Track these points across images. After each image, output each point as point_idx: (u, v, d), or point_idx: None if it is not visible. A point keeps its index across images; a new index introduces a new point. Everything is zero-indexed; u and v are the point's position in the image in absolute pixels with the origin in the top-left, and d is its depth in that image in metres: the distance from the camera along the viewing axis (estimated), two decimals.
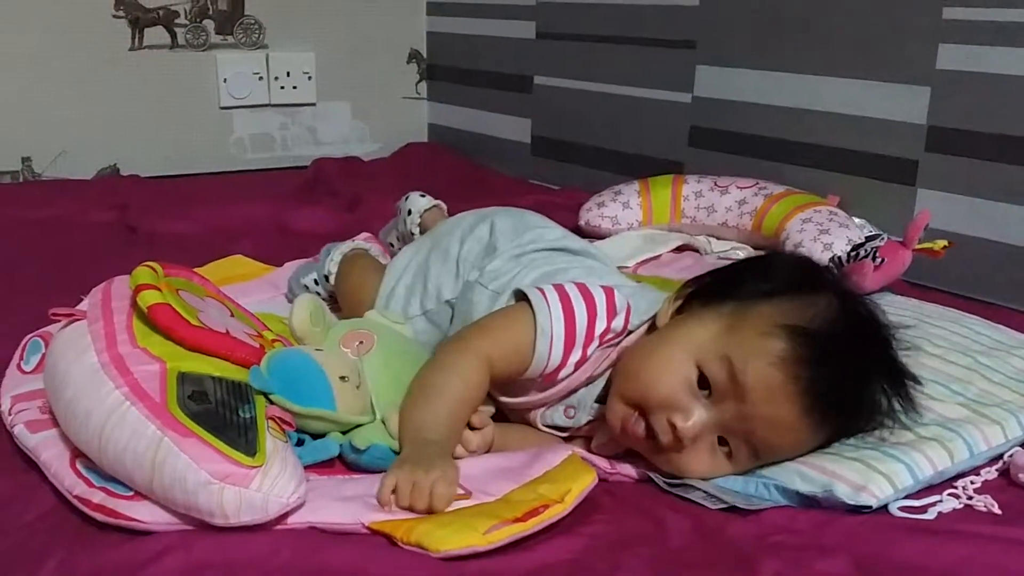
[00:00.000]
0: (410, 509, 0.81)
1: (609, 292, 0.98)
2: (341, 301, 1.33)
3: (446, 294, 1.16)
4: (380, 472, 0.89)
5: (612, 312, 0.97)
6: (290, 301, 1.35)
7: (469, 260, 1.16)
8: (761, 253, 1.58)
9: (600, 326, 0.96)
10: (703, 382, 0.88)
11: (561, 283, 0.99)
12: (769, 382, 0.85)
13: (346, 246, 1.38)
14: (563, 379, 0.98)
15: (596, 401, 0.99)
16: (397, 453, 0.90)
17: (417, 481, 0.82)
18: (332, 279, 1.35)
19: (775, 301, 0.90)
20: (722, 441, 0.89)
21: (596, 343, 0.96)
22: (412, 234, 1.40)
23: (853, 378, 0.88)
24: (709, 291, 0.96)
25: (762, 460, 0.90)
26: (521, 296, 1.00)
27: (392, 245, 1.44)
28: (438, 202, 1.43)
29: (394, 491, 0.82)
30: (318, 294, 1.37)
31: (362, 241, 1.42)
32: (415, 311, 1.18)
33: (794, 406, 0.85)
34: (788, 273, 0.95)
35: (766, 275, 0.95)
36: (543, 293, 0.97)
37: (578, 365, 0.96)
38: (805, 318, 0.87)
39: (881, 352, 0.92)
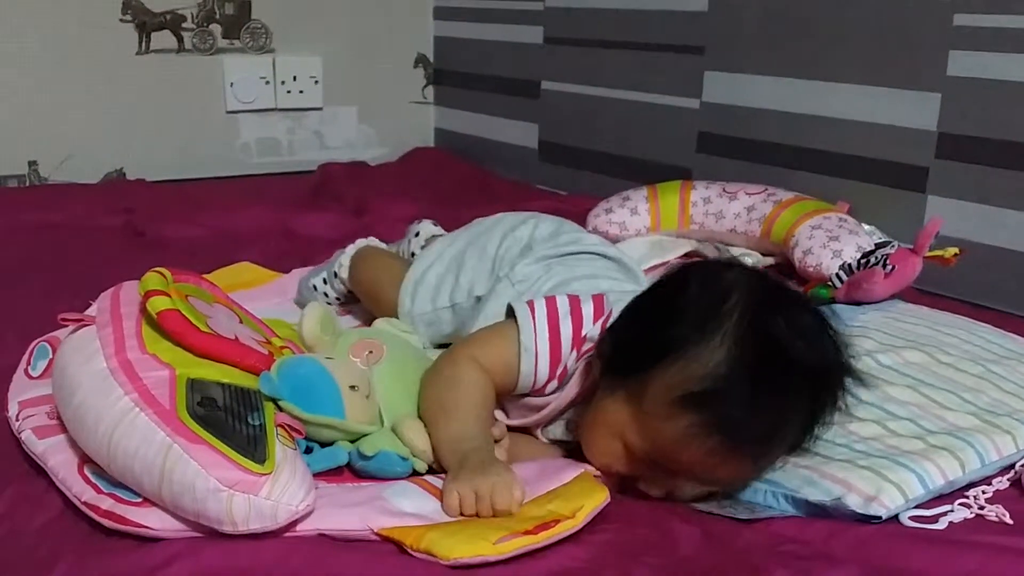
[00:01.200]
0: (477, 515, 0.82)
1: (597, 300, 0.99)
2: (359, 291, 1.34)
3: (478, 290, 1.17)
4: (388, 479, 0.89)
5: (598, 313, 0.98)
6: (300, 306, 1.35)
7: (506, 259, 1.17)
8: (769, 261, 1.58)
9: (585, 331, 0.97)
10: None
11: (555, 296, 1.00)
12: (692, 458, 0.86)
13: (358, 244, 1.39)
14: (552, 393, 0.98)
15: None
16: (405, 459, 0.90)
17: (477, 489, 0.82)
18: (344, 272, 1.35)
19: (665, 368, 0.86)
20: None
21: (575, 353, 0.97)
22: (412, 254, 1.39)
23: (767, 414, 0.85)
24: (610, 360, 0.93)
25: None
26: (511, 311, 1.01)
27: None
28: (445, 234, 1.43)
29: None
30: (326, 295, 1.37)
31: (374, 239, 1.43)
32: (443, 302, 1.20)
33: (727, 458, 0.85)
34: (675, 321, 0.88)
35: (654, 330, 0.90)
36: (531, 309, 0.98)
37: (561, 377, 0.97)
38: (696, 379, 0.85)
39: (789, 375, 0.86)
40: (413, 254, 1.38)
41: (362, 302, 1.35)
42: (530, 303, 0.99)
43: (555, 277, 1.10)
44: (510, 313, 1.01)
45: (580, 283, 1.08)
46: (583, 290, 1.03)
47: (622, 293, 1.03)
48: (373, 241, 1.41)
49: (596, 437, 0.93)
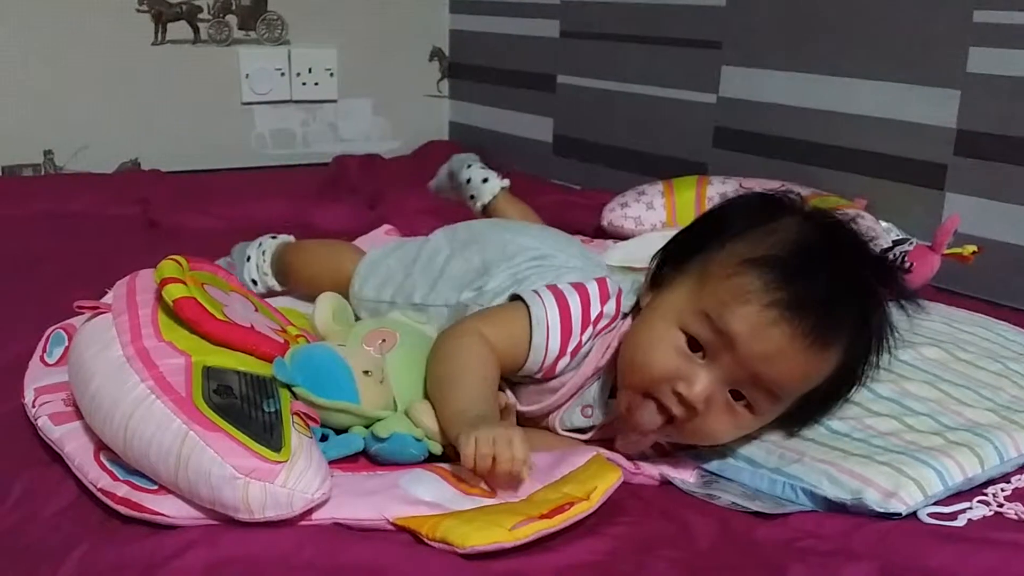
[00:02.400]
0: (492, 467, 0.80)
1: (601, 280, 1.00)
2: (303, 280, 1.31)
3: (416, 298, 1.16)
4: (403, 464, 0.89)
5: (605, 297, 0.98)
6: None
7: (456, 281, 1.14)
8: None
9: (594, 311, 0.97)
10: (693, 344, 0.88)
11: (554, 283, 1.00)
12: (748, 319, 0.85)
13: (273, 242, 1.37)
14: (565, 372, 0.97)
15: (610, 397, 0.99)
16: (419, 441, 0.90)
17: (496, 437, 0.81)
18: (269, 271, 1.34)
19: (733, 242, 0.90)
20: (737, 396, 0.88)
21: (591, 329, 0.97)
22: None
23: (827, 284, 0.86)
24: (674, 255, 0.97)
25: (784, 400, 0.89)
26: (515, 297, 1.01)
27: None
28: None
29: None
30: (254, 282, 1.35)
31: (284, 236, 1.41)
32: (386, 297, 1.19)
33: (782, 332, 0.84)
34: (743, 212, 0.95)
35: (722, 221, 0.95)
36: (537, 293, 0.98)
37: (574, 353, 0.96)
38: (763, 247, 0.88)
39: (851, 257, 0.90)
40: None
41: (304, 292, 1.30)
42: (535, 290, 0.99)
43: (541, 279, 1.06)
44: (513, 299, 1.01)
45: (571, 275, 1.06)
46: (577, 279, 1.02)
47: (621, 280, 1.03)
48: (286, 239, 1.39)
49: (653, 330, 0.90)
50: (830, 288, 0.87)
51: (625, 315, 1.00)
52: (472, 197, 1.50)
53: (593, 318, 0.97)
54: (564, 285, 0.99)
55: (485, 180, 1.49)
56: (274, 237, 1.39)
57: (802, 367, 0.87)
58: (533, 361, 0.97)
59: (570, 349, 0.96)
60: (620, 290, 1.00)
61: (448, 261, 1.19)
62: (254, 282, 1.34)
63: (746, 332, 0.85)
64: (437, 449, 0.91)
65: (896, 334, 0.94)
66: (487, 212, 1.49)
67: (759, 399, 0.88)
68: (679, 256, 0.96)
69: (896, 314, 0.93)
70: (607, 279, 1.01)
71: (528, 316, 0.96)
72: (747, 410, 0.89)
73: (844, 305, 0.88)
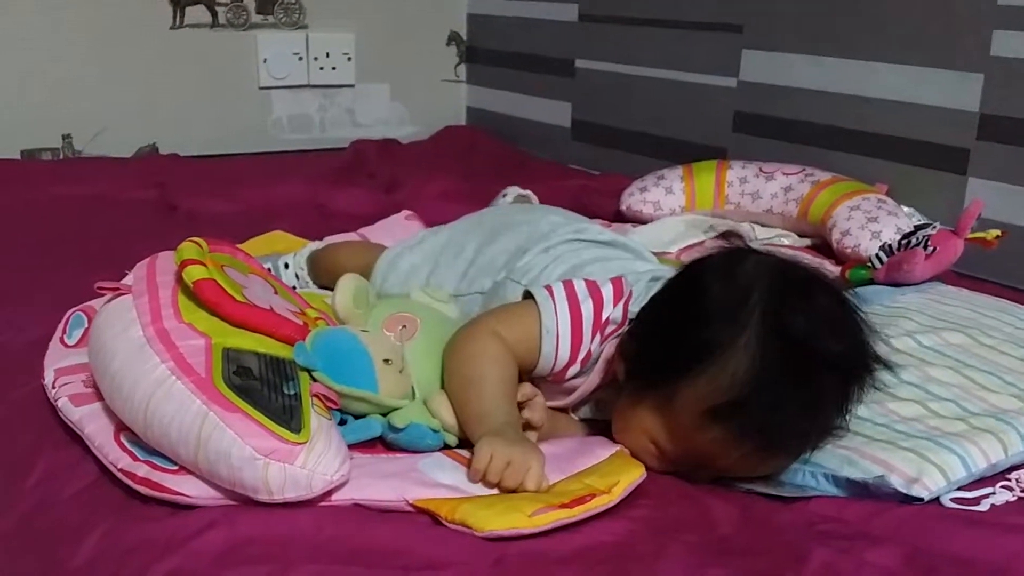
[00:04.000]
0: (498, 484, 0.81)
1: (616, 283, 0.98)
2: (330, 275, 1.25)
3: (448, 289, 1.15)
4: (419, 452, 0.89)
5: (617, 301, 0.97)
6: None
7: (492, 267, 1.14)
8: (806, 243, 1.56)
9: (605, 313, 0.97)
10: None
11: (571, 280, 0.99)
12: (724, 461, 0.87)
13: (304, 250, 1.37)
14: (576, 377, 0.97)
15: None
16: (436, 432, 0.90)
17: (513, 460, 0.81)
18: (305, 273, 1.34)
19: (691, 379, 0.86)
20: None
21: (599, 336, 0.96)
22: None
23: (797, 414, 0.85)
24: (635, 369, 0.93)
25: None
26: (529, 295, 1.00)
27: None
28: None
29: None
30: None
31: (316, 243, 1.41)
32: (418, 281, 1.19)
33: (755, 460, 0.87)
34: (697, 327, 0.87)
35: (675, 340, 0.89)
36: (551, 292, 0.97)
37: (584, 362, 0.97)
38: (723, 389, 0.84)
39: (816, 371, 0.85)
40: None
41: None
42: (548, 287, 0.98)
43: (562, 264, 1.08)
44: (527, 297, 1.00)
45: (592, 267, 1.06)
46: (597, 273, 1.02)
47: (637, 274, 1.02)
48: (315, 245, 1.39)
49: (628, 439, 0.92)
50: (800, 415, 0.85)
51: (631, 321, 0.98)
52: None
53: (603, 323, 0.96)
54: (579, 286, 0.97)
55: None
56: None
57: (783, 464, 0.90)
58: (542, 368, 0.97)
59: (580, 358, 0.96)
60: (630, 293, 0.98)
61: (480, 250, 1.18)
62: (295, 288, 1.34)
63: (728, 468, 0.88)
64: (453, 441, 0.91)
65: (869, 383, 0.90)
66: None
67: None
68: (639, 370, 0.93)
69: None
70: (623, 279, 0.99)
71: (540, 321, 0.96)
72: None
73: (816, 417, 0.87)
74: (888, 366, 0.90)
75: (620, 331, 0.97)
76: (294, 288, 1.23)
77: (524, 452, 0.83)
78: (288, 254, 1.38)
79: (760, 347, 0.84)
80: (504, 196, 1.56)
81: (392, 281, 1.21)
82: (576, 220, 1.23)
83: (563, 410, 1.02)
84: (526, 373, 0.98)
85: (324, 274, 1.32)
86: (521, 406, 0.93)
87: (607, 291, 0.97)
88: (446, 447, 0.91)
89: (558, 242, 1.13)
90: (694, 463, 0.89)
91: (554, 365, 0.96)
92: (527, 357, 0.96)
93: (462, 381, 0.94)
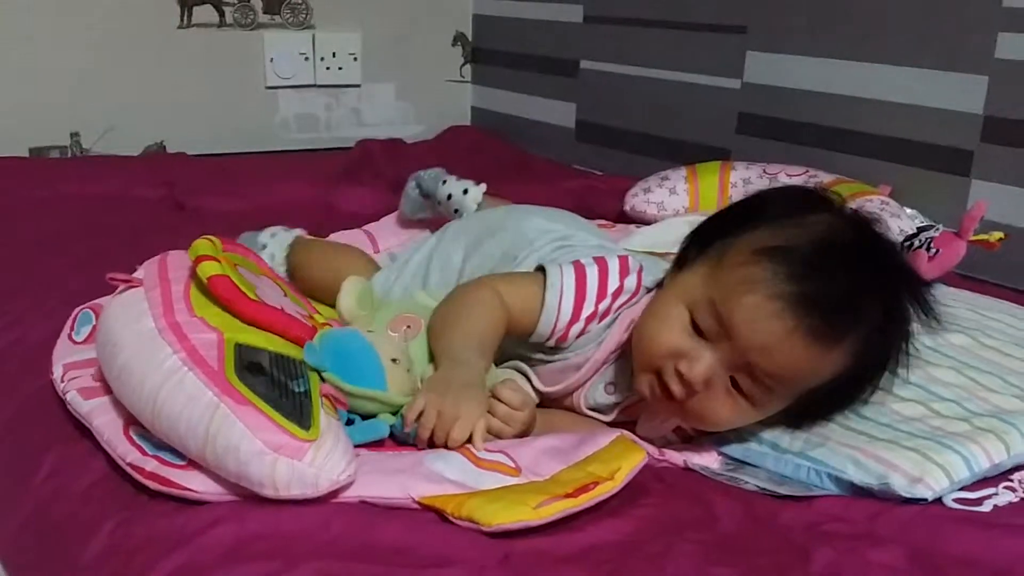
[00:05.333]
0: (429, 439, 0.85)
1: (623, 256, 1.01)
2: (305, 282, 1.23)
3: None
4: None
5: (625, 271, 0.98)
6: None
7: (476, 275, 1.12)
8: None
9: (612, 282, 0.98)
10: (697, 328, 0.88)
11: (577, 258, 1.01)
12: (750, 309, 0.84)
13: (289, 234, 1.33)
14: (586, 346, 0.98)
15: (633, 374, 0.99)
16: None
17: (443, 409, 0.84)
18: (280, 268, 1.28)
19: (756, 230, 0.89)
20: (735, 383, 0.88)
21: (609, 300, 0.97)
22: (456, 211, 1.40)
23: (842, 282, 0.84)
24: (701, 237, 0.97)
25: (781, 394, 0.88)
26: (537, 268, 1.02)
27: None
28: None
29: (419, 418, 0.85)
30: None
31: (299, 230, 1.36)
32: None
33: (783, 325, 0.83)
34: (777, 202, 0.94)
35: (754, 208, 0.95)
36: (559, 265, 0.99)
37: (589, 320, 0.97)
38: (781, 238, 0.87)
39: (877, 262, 0.88)
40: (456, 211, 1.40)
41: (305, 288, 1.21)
42: (557, 264, 1.00)
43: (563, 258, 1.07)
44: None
45: (594, 252, 1.06)
46: (599, 255, 1.03)
47: (644, 259, 1.04)
48: (299, 232, 1.35)
49: (663, 308, 0.91)
50: (845, 289, 0.85)
51: (649, 290, 1.00)
52: (456, 211, 1.43)
53: (612, 290, 0.98)
54: (586, 259, 1.00)
55: (465, 191, 1.44)
56: (287, 230, 1.36)
57: (800, 363, 0.85)
58: (545, 323, 0.97)
59: (584, 315, 0.97)
60: (641, 266, 1.00)
61: (466, 261, 1.18)
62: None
63: (743, 321, 0.85)
64: None
65: (914, 345, 0.92)
66: None
67: (754, 390, 0.87)
68: (705, 238, 0.96)
69: (914, 326, 0.92)
70: (629, 256, 1.02)
71: (544, 282, 0.98)
72: (744, 399, 0.88)
73: (858, 308, 0.86)
74: (929, 314, 0.91)
75: (636, 298, 0.98)
76: None
77: (457, 401, 0.84)
78: (265, 231, 1.35)
79: (831, 224, 0.88)
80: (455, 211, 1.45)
81: (402, 279, 1.21)
82: (560, 220, 1.22)
83: (566, 405, 1.02)
84: (527, 334, 0.98)
85: (300, 273, 1.27)
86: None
87: (612, 262, 0.99)
88: None
89: (544, 248, 1.12)
90: (718, 323, 0.86)
91: (557, 320, 0.96)
92: (528, 315, 0.97)
93: (443, 319, 0.97)
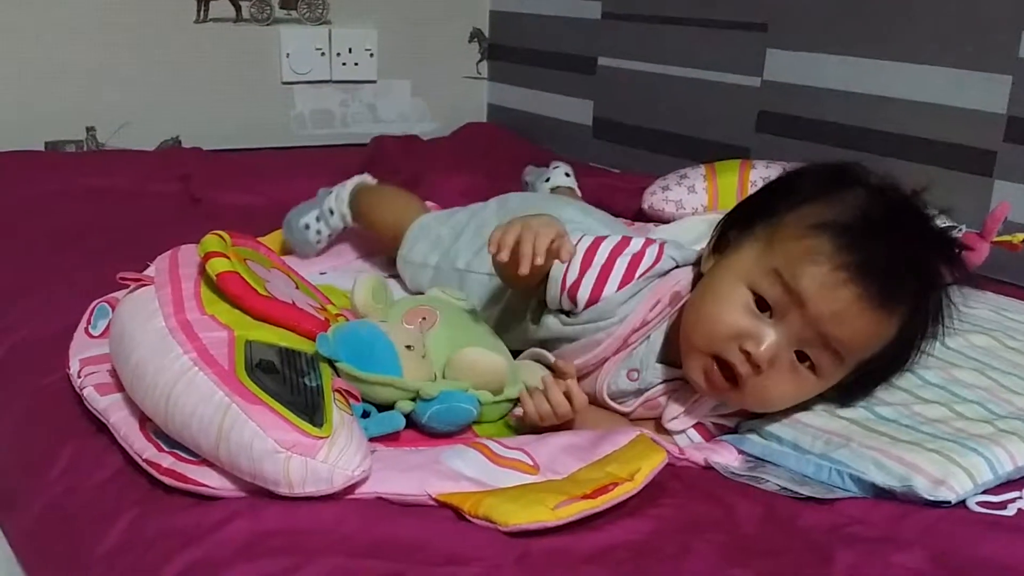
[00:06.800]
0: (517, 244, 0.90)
1: (647, 240, 1.02)
2: (369, 223, 1.41)
3: (460, 263, 1.21)
4: (451, 434, 0.91)
5: (647, 242, 1.00)
6: (291, 245, 1.44)
7: None
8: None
9: (631, 249, 0.99)
10: (761, 304, 0.90)
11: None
12: (819, 279, 0.87)
13: (353, 181, 1.44)
14: (601, 318, 0.97)
15: (659, 361, 0.99)
16: (469, 394, 0.92)
17: (528, 223, 0.91)
18: (344, 207, 1.40)
19: (803, 208, 0.92)
20: (801, 357, 0.90)
21: (626, 265, 0.98)
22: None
23: (895, 251, 0.88)
24: (741, 220, 0.98)
25: (847, 363, 0.90)
26: None
27: (307, 228, 1.45)
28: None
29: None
30: (318, 232, 1.41)
31: (367, 175, 1.48)
32: (431, 261, 1.25)
33: (851, 293, 0.86)
34: (813, 180, 0.96)
35: (792, 188, 0.97)
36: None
37: (599, 285, 0.97)
38: (834, 212, 0.90)
39: (917, 224, 0.92)
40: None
41: (370, 231, 1.42)
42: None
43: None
44: None
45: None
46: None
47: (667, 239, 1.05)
48: (367, 178, 1.47)
49: (720, 289, 0.92)
50: (895, 256, 0.88)
51: (677, 265, 1.01)
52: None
53: (631, 255, 0.98)
54: (612, 235, 1.02)
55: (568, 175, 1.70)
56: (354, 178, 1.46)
57: (867, 328, 0.88)
58: (552, 281, 0.98)
59: (593, 276, 0.97)
60: (663, 244, 1.01)
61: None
62: (331, 211, 1.41)
63: (816, 291, 0.87)
64: (488, 398, 0.91)
65: (953, 311, 0.95)
66: None
67: (823, 360, 0.89)
68: (746, 220, 0.97)
69: (953, 293, 0.95)
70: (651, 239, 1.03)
71: None
72: (810, 371, 0.90)
73: (907, 274, 0.89)
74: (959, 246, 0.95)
75: (656, 268, 0.99)
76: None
77: (537, 218, 0.92)
78: (310, 214, 1.43)
79: (869, 195, 0.91)
80: (547, 181, 1.66)
81: (419, 249, 1.26)
82: (593, 216, 1.24)
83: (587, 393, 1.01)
84: (538, 285, 1.00)
85: (363, 215, 1.41)
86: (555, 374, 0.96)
87: (636, 241, 1.01)
88: (476, 423, 0.93)
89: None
90: (780, 295, 0.88)
91: (564, 277, 0.97)
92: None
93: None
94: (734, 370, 0.89)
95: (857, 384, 0.94)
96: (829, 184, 0.94)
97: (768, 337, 0.89)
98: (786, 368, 0.90)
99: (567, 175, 1.71)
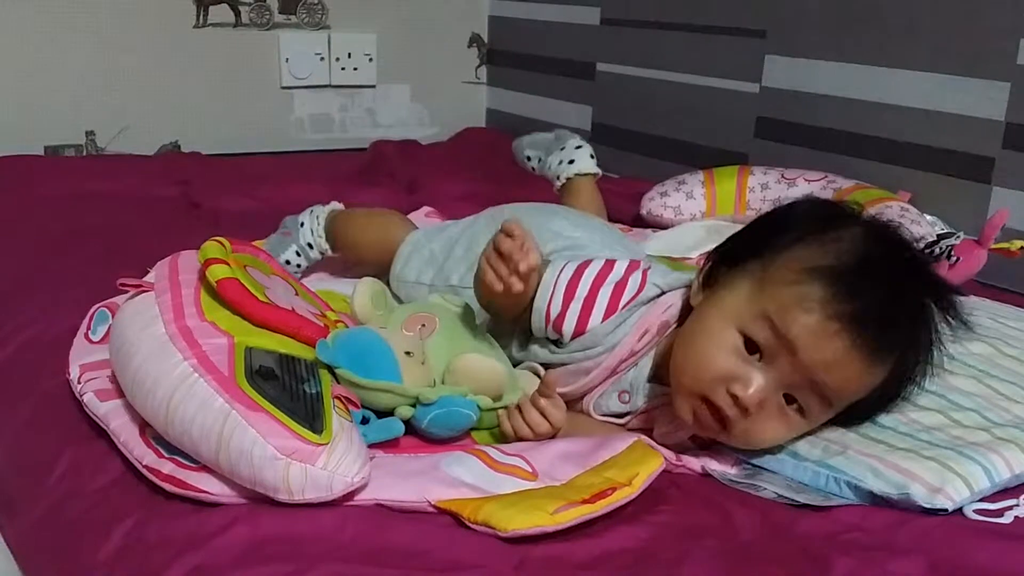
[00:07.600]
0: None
1: (632, 262, 1.01)
2: (358, 251, 1.36)
3: (453, 279, 1.19)
4: (447, 443, 0.90)
5: (630, 267, 0.99)
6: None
7: None
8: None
9: (614, 276, 0.98)
10: (750, 347, 0.89)
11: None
12: (811, 328, 0.85)
13: (325, 210, 1.40)
14: (589, 348, 0.97)
15: (649, 381, 0.98)
16: (468, 399, 0.92)
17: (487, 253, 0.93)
18: (322, 241, 1.36)
19: (797, 248, 0.90)
20: (789, 399, 0.89)
21: (609, 294, 0.97)
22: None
23: (889, 300, 0.87)
24: (732, 255, 0.97)
25: (836, 407, 0.90)
26: None
27: (288, 263, 1.39)
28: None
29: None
30: (298, 266, 1.38)
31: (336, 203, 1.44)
32: (424, 279, 1.23)
33: (843, 343, 0.85)
34: (804, 217, 0.95)
35: (784, 225, 0.95)
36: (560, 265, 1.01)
37: (584, 314, 0.96)
38: (828, 257, 0.88)
39: (912, 271, 0.91)
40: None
41: (354, 255, 1.37)
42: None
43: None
44: None
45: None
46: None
47: (652, 260, 1.04)
48: (336, 204, 1.42)
49: (710, 330, 0.91)
50: (889, 305, 0.87)
51: (661, 292, 1.00)
52: (561, 162, 1.57)
53: (613, 283, 0.98)
54: (595, 261, 1.01)
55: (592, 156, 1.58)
56: (324, 204, 1.42)
57: (858, 376, 0.87)
58: (536, 311, 0.98)
59: (577, 307, 0.96)
60: (648, 267, 1.00)
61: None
62: (309, 246, 1.37)
63: (808, 339, 0.85)
64: (486, 403, 0.91)
65: (941, 353, 0.94)
66: (563, 189, 1.56)
67: (812, 403, 0.89)
68: (736, 256, 0.96)
69: (944, 331, 0.94)
70: (640, 260, 1.02)
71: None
72: (798, 414, 0.89)
73: (900, 322, 0.88)
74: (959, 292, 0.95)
75: (639, 297, 0.98)
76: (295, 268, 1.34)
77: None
78: (305, 212, 1.40)
79: (864, 238, 0.90)
80: (572, 163, 1.57)
81: (412, 266, 1.24)
82: (584, 227, 1.23)
83: (578, 409, 1.02)
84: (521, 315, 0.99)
85: (342, 241, 1.36)
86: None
87: (620, 264, 1.00)
88: (475, 429, 0.93)
89: (553, 251, 1.12)
90: (769, 339, 0.86)
91: (548, 308, 0.97)
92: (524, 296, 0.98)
93: None
94: (721, 412, 0.88)
95: (843, 421, 0.93)
96: (820, 222, 0.92)
97: (756, 381, 0.87)
98: (774, 410, 0.89)
99: (592, 156, 1.58)
